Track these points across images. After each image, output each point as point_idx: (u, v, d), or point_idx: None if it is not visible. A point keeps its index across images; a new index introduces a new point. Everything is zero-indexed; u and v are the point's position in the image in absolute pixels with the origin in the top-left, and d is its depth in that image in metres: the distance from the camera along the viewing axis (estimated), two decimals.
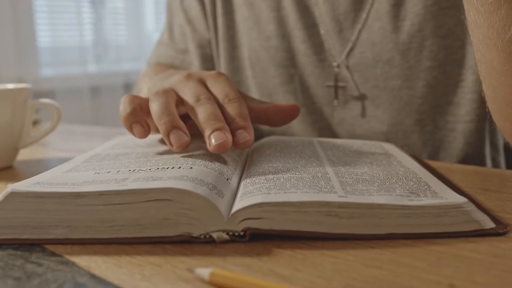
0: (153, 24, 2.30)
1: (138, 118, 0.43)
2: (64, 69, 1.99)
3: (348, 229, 0.32)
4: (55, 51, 1.97)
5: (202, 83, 0.46)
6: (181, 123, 0.42)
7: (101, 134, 0.82)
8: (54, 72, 1.97)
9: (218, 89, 0.45)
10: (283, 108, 0.49)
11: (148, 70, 0.79)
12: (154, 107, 0.43)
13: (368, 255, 0.29)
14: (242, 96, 0.50)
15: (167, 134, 0.41)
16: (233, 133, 0.42)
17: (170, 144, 0.41)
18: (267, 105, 0.49)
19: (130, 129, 0.44)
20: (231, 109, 0.43)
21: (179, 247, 0.31)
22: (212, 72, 0.48)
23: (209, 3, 0.73)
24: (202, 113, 0.42)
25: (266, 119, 0.49)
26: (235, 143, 0.41)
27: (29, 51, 1.85)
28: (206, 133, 0.41)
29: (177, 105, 0.45)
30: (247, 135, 0.42)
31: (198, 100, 0.43)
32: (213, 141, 0.40)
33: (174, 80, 0.47)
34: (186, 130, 0.42)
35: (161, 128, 0.42)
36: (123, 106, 0.44)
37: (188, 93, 0.45)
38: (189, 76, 0.47)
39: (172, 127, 0.41)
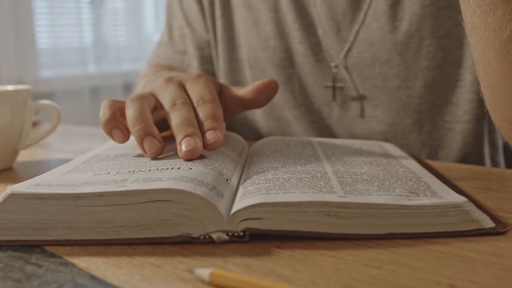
0: (153, 24, 2.30)
1: (117, 124, 0.44)
2: (64, 70, 1.99)
3: (347, 229, 0.32)
4: (55, 52, 1.97)
5: (182, 86, 0.47)
6: (155, 130, 0.42)
7: (100, 135, 0.82)
8: (54, 73, 1.96)
9: (196, 91, 0.46)
10: (261, 87, 0.49)
11: (147, 70, 0.79)
12: (129, 114, 0.43)
13: (368, 255, 0.29)
14: (225, 89, 0.50)
15: (141, 141, 0.42)
16: (203, 134, 0.42)
17: (144, 151, 0.42)
18: (246, 90, 0.49)
19: (110, 134, 0.44)
20: (204, 110, 0.43)
21: (178, 248, 0.31)
22: (192, 74, 0.48)
23: (208, 4, 0.73)
24: (176, 119, 0.43)
25: (250, 103, 0.50)
26: (204, 144, 0.41)
27: (29, 52, 1.85)
28: (178, 139, 0.41)
29: (156, 110, 0.46)
30: (215, 136, 0.42)
31: (174, 104, 0.44)
32: (183, 147, 0.40)
33: (155, 84, 0.48)
34: (159, 137, 0.42)
35: (135, 135, 0.42)
36: (103, 111, 0.44)
37: (166, 97, 0.45)
38: (169, 80, 0.47)
39: (145, 135, 0.42)
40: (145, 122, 0.42)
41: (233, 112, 0.51)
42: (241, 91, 0.50)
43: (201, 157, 0.41)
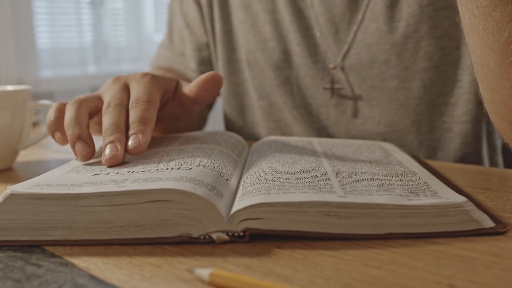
0: (153, 25, 2.30)
1: (60, 126, 0.45)
2: (63, 70, 1.99)
3: (347, 229, 0.32)
4: (55, 52, 1.96)
5: (126, 86, 0.47)
6: (86, 134, 0.43)
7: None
8: (54, 73, 1.96)
9: (134, 92, 0.46)
10: (203, 82, 0.49)
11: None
12: (65, 117, 0.44)
13: (368, 255, 0.29)
14: (180, 87, 0.50)
15: (72, 145, 0.43)
16: (128, 138, 0.42)
17: (76, 154, 0.43)
18: (190, 86, 0.49)
19: (53, 136, 0.45)
20: (134, 113, 0.44)
21: (178, 248, 0.31)
22: (138, 74, 0.48)
23: (206, 6, 0.73)
24: (105, 122, 0.43)
25: (197, 98, 0.49)
26: (126, 148, 0.41)
27: (29, 52, 1.85)
28: (103, 144, 0.42)
29: (100, 111, 0.46)
30: (137, 140, 0.41)
31: (108, 106, 0.45)
32: (106, 153, 0.41)
33: (104, 84, 0.48)
34: (89, 141, 0.43)
35: (68, 139, 0.43)
36: (49, 114, 0.46)
37: (106, 98, 0.46)
38: (115, 80, 0.48)
39: (76, 139, 0.43)
40: (77, 126, 0.43)
41: (187, 109, 0.51)
42: (188, 87, 0.50)
43: (201, 157, 0.41)
